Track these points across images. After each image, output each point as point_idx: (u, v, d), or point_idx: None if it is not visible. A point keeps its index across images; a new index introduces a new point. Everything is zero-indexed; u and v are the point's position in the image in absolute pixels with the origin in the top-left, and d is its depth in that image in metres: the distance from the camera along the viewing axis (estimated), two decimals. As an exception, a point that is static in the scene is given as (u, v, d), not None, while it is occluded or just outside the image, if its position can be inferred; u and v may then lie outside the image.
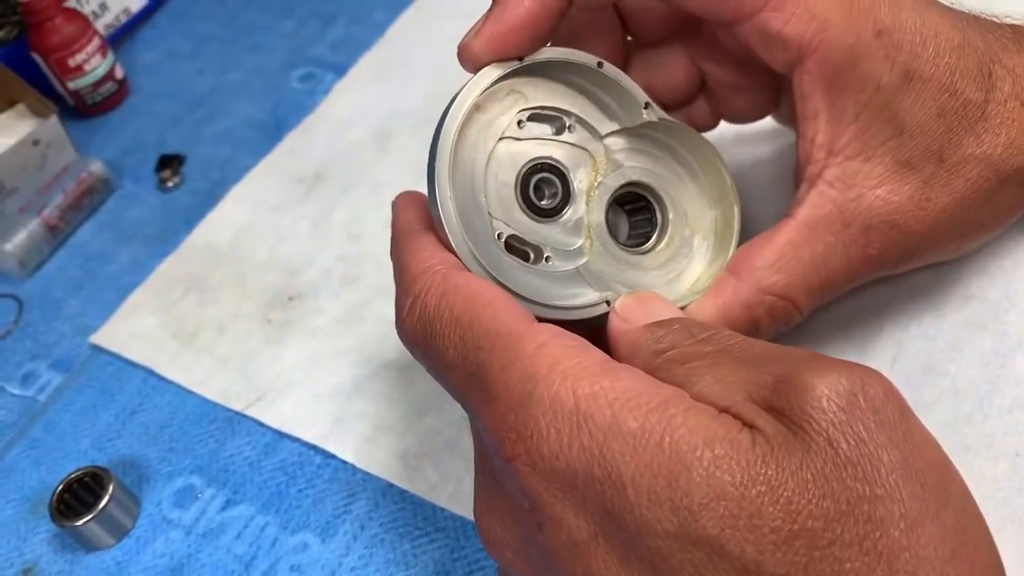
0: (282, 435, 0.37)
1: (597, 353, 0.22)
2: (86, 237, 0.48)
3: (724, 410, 0.21)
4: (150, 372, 0.40)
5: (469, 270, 0.25)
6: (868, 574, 0.18)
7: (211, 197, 0.48)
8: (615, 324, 0.26)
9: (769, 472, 0.19)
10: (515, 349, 0.22)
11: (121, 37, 0.59)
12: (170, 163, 0.50)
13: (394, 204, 0.29)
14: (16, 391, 0.42)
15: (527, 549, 0.23)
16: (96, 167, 0.49)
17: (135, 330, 0.42)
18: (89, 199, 0.49)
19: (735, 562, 0.19)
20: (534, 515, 0.22)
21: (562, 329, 0.23)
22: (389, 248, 0.28)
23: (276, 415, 0.37)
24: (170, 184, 0.49)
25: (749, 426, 0.20)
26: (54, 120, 0.50)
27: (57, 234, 0.48)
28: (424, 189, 0.28)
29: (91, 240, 0.48)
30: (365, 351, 0.39)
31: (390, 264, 0.37)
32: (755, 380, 0.21)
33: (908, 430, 0.21)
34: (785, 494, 0.19)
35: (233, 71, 0.55)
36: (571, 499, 0.21)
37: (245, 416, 0.38)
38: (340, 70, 0.53)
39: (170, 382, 0.40)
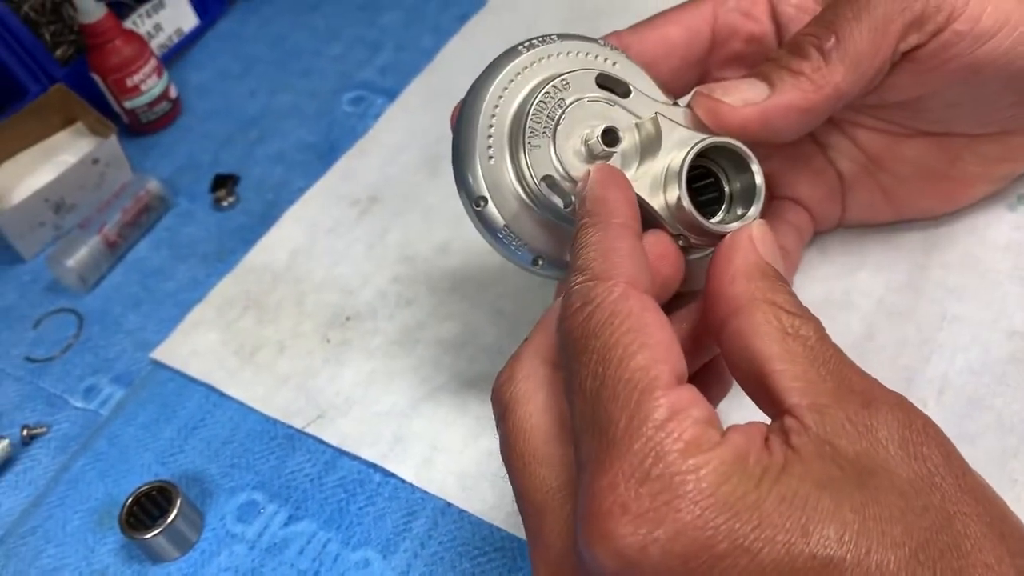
0: (342, 453, 0.38)
1: (707, 422, 0.22)
2: (144, 254, 0.50)
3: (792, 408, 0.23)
4: (211, 389, 0.41)
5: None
6: None
7: (266, 217, 0.49)
8: (756, 239, 0.26)
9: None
10: (645, 411, 0.22)
11: (173, 57, 0.61)
12: (225, 183, 0.51)
13: (596, 171, 0.28)
14: (79, 404, 0.43)
15: None
16: (153, 185, 0.51)
17: (196, 347, 0.43)
18: (146, 216, 0.50)
19: None
20: None
21: (697, 393, 0.23)
22: (581, 201, 0.27)
23: (336, 433, 0.38)
24: (225, 203, 0.50)
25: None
26: (113, 139, 0.51)
27: (116, 250, 0.49)
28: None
29: (149, 257, 0.49)
30: (420, 373, 0.40)
31: (441, 287, 0.38)
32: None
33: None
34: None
35: (284, 93, 0.57)
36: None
37: (305, 434, 0.39)
38: (390, 94, 0.54)
39: (231, 399, 0.41)
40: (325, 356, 0.41)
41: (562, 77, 0.29)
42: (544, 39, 0.31)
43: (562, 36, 0.31)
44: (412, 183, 0.48)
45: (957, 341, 0.35)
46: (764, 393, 0.24)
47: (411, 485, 0.36)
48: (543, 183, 0.29)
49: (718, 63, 0.34)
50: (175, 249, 0.49)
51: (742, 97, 0.30)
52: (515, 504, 0.34)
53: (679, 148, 0.29)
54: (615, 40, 0.33)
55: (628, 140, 0.29)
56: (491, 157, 0.30)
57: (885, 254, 0.38)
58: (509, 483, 0.34)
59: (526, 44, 0.31)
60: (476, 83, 0.31)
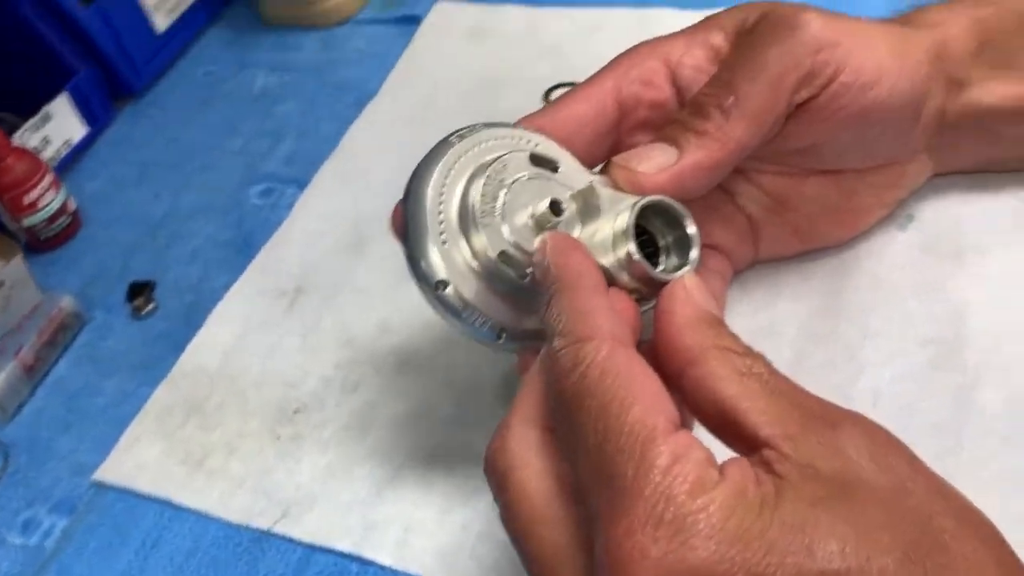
0: (314, 548, 0.37)
1: (707, 462, 0.24)
2: (64, 373, 0.48)
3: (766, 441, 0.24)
4: (164, 502, 0.40)
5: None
6: None
7: (190, 320, 0.48)
8: (692, 294, 0.28)
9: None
10: (649, 458, 0.23)
11: (65, 169, 0.59)
12: (141, 290, 0.50)
13: (548, 242, 0.30)
14: (18, 540, 0.41)
15: None
16: (66, 302, 0.49)
17: (140, 461, 0.42)
18: (62, 335, 0.49)
19: None
20: None
21: (693, 437, 0.25)
22: (544, 270, 0.29)
23: (304, 529, 0.38)
24: (144, 311, 0.49)
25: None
26: (17, 260, 0.49)
27: (34, 374, 0.47)
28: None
29: (70, 376, 0.48)
30: (380, 455, 0.40)
31: (387, 366, 0.39)
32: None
33: None
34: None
35: (187, 192, 0.56)
36: None
37: (272, 534, 0.38)
38: (300, 183, 0.54)
39: (187, 509, 0.40)
40: (278, 453, 0.41)
41: (499, 160, 0.31)
42: (472, 128, 0.33)
43: (487, 124, 0.33)
44: (338, 268, 0.49)
45: (880, 355, 0.38)
46: (734, 432, 0.26)
47: (391, 570, 0.36)
48: (499, 259, 0.30)
49: (627, 130, 0.37)
50: (98, 364, 0.48)
51: (655, 164, 0.33)
52: (499, 571, 0.35)
53: (617, 210, 0.31)
54: (529, 124, 0.35)
55: (569, 209, 0.31)
56: (445, 243, 0.31)
57: (800, 283, 0.41)
58: (487, 554, 0.35)
59: (457, 135, 0.33)
60: (416, 177, 0.32)
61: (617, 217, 0.31)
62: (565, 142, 0.34)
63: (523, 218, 0.31)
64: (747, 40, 0.35)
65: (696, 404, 0.27)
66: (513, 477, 0.28)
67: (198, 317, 0.48)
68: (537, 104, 0.43)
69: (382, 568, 0.36)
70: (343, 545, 0.37)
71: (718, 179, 0.34)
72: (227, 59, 0.66)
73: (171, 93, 0.65)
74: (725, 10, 0.37)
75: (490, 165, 0.31)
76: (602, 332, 0.26)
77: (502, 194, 0.31)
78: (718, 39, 0.36)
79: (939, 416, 0.36)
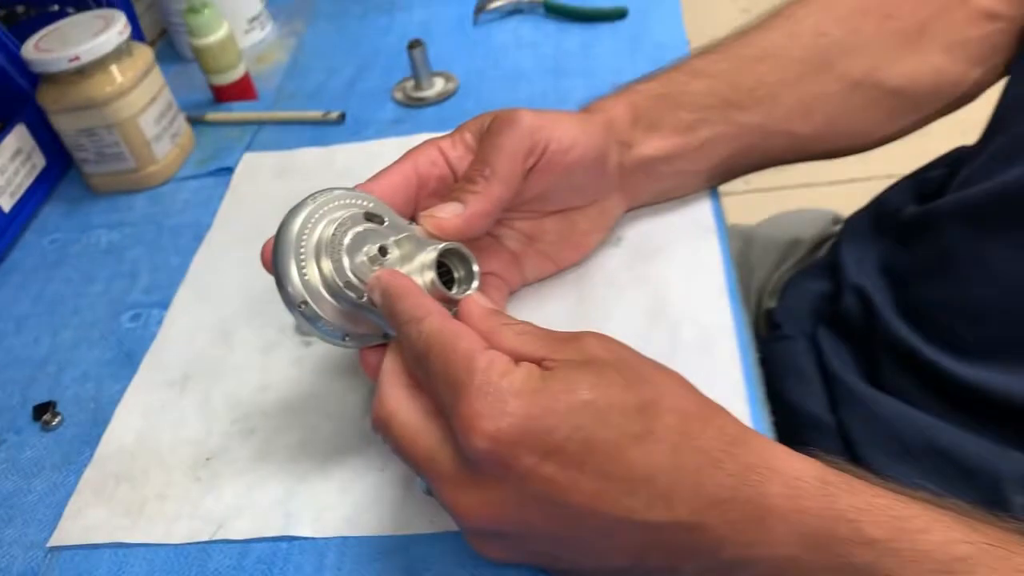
0: (249, 541, 0.50)
1: (509, 362, 0.40)
2: (-7, 486, 0.57)
3: (541, 359, 0.41)
4: (116, 546, 0.51)
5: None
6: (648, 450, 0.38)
7: (98, 419, 0.59)
8: (478, 302, 0.45)
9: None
10: (472, 367, 0.39)
11: (-59, 335, 0.68)
12: (45, 408, 0.60)
13: (382, 277, 0.45)
14: (-9, 610, 0.50)
15: (523, 504, 0.38)
16: (-19, 430, 0.58)
17: (87, 524, 0.52)
18: (-16, 456, 0.58)
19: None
20: (510, 473, 0.37)
21: (498, 352, 0.40)
22: (380, 293, 0.45)
23: (239, 531, 0.50)
24: (52, 424, 0.60)
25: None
26: (-68, 403, 0.58)
27: (-33, 490, 0.56)
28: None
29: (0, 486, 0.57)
30: (285, 470, 0.53)
31: (275, 412, 0.53)
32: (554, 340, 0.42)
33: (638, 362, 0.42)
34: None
35: (65, 331, 0.67)
36: (523, 448, 0.37)
37: (215, 542, 0.50)
38: (163, 305, 0.67)
39: (138, 545, 0.50)
40: (202, 489, 0.53)
41: (345, 216, 0.47)
42: (322, 191, 0.48)
43: (332, 188, 0.48)
44: (214, 356, 0.62)
45: (618, 325, 0.56)
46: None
47: (311, 539, 0.49)
48: (344, 286, 0.46)
49: (424, 196, 0.54)
50: (22, 471, 0.57)
51: (451, 212, 0.50)
52: (392, 519, 0.49)
53: (426, 251, 0.47)
54: (363, 188, 0.51)
55: (394, 252, 0.48)
56: (304, 274, 0.46)
57: (558, 291, 0.60)
58: (378, 512, 0.48)
59: (311, 197, 0.47)
60: (283, 224, 0.46)
61: (426, 256, 0.47)
62: (386, 200, 0.51)
63: (361, 257, 0.47)
64: (489, 133, 0.53)
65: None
66: (393, 420, 0.43)
67: (104, 415, 0.59)
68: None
69: (305, 539, 0.49)
70: (272, 532, 0.49)
71: (489, 224, 0.52)
72: (69, 226, 0.78)
73: (24, 261, 0.75)
74: (469, 120, 0.56)
75: (336, 220, 0.46)
76: (431, 311, 0.43)
77: (346, 240, 0.46)
78: (468, 138, 0.55)
79: (659, 349, 0.54)
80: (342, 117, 0.84)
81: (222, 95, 0.89)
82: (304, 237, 0.46)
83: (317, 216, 0.47)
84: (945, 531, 0.36)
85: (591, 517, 0.38)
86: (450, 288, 0.47)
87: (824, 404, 0.64)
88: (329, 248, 0.46)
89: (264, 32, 1.01)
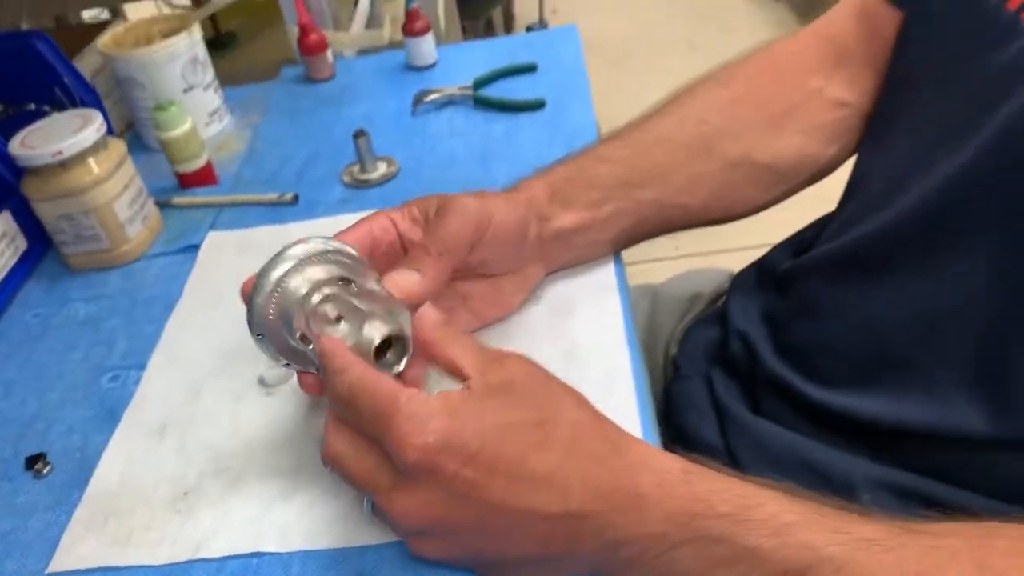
0: (225, 558, 0.58)
1: (426, 396, 0.50)
2: (-8, 527, 0.64)
3: (467, 379, 0.51)
4: (108, 569, 0.59)
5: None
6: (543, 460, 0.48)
7: (84, 466, 0.67)
8: (431, 316, 0.55)
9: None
10: (396, 402, 0.48)
11: (-64, 400, 0.76)
12: (37, 459, 0.68)
13: (323, 343, 0.54)
14: (-3, 629, 0.57)
15: (449, 503, 0.46)
16: (-20, 479, 0.66)
17: (81, 552, 0.60)
18: (-17, 501, 0.65)
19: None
20: (437, 478, 0.45)
21: (414, 389, 0.50)
22: (319, 353, 0.53)
23: (216, 549, 0.58)
24: (45, 472, 0.68)
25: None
26: (-64, 456, 0.66)
27: (-31, 531, 0.63)
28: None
29: (-3, 527, 0.64)
30: (254, 499, 0.62)
31: (243, 456, 0.63)
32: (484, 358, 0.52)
33: (547, 382, 0.53)
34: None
35: (51, 393, 0.75)
36: (446, 456, 0.47)
37: (196, 561, 0.58)
38: (140, 367, 0.76)
39: (128, 567, 0.59)
40: (183, 518, 0.61)
41: (321, 275, 0.57)
42: (310, 241, 0.57)
43: (317, 239, 0.58)
44: (188, 410, 0.70)
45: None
46: (456, 372, 0.52)
47: (279, 553, 0.58)
48: (300, 338, 0.56)
49: (378, 256, 0.63)
50: (17, 512, 0.65)
51: (413, 280, 0.59)
52: (345, 534, 0.58)
53: (372, 327, 0.56)
54: (337, 237, 0.60)
55: (345, 325, 0.57)
56: (271, 315, 0.55)
57: (494, 338, 0.70)
58: (335, 528, 0.58)
59: (299, 245, 0.57)
60: (264, 273, 0.55)
61: (372, 332, 0.56)
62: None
63: (319, 319, 0.56)
64: (441, 215, 0.61)
65: (442, 362, 0.53)
66: (338, 455, 0.52)
67: (91, 463, 0.67)
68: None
69: (273, 554, 0.58)
70: (244, 550, 0.58)
71: (444, 286, 0.62)
72: (50, 302, 0.87)
73: (10, 334, 0.83)
74: (416, 199, 0.67)
75: (312, 281, 0.56)
76: (353, 362, 0.52)
77: (312, 300, 0.56)
78: (415, 212, 0.65)
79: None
80: (295, 199, 0.95)
81: (186, 181, 0.99)
82: (280, 287, 0.55)
83: (297, 268, 0.56)
84: (777, 505, 0.47)
85: (503, 512, 0.48)
86: (385, 354, 0.57)
87: (716, 432, 0.75)
88: (297, 302, 0.56)
89: (223, 124, 1.12)
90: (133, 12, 1.52)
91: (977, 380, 0.58)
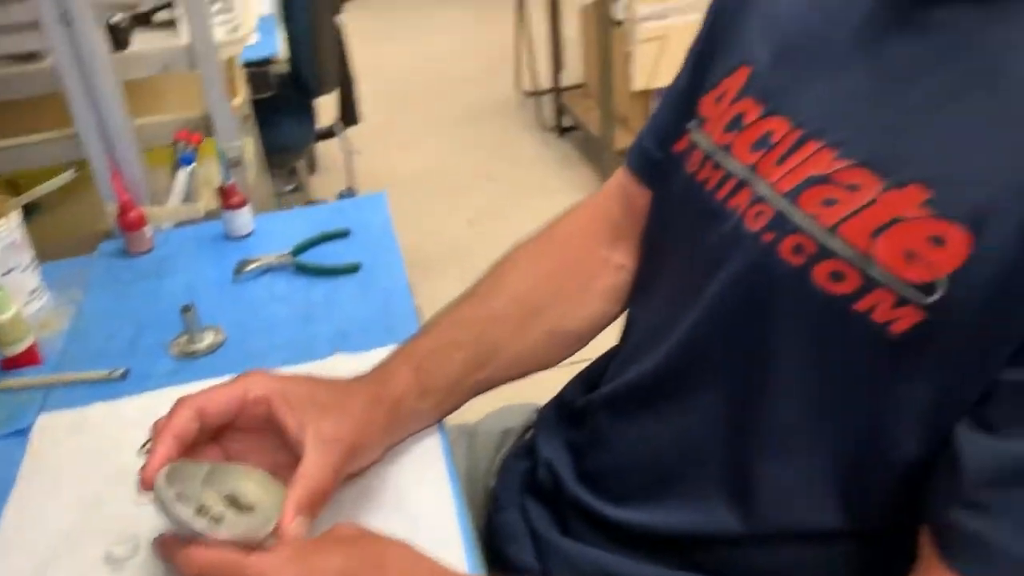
0: None
1: (271, 556, 0.59)
2: None
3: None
4: None
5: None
6: None
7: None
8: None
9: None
10: (246, 561, 0.58)
11: None
12: None
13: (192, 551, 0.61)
14: None
15: None
16: None
17: None
18: None
19: None
20: None
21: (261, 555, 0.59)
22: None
23: None
24: None
25: None
26: None
27: None
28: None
29: None
30: None
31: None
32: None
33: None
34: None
35: None
36: None
37: None
38: (-20, 558, 0.78)
39: None
40: None
41: (206, 501, 0.64)
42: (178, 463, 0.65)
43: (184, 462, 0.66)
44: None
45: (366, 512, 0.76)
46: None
47: None
48: (185, 529, 0.62)
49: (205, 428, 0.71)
50: None
51: (304, 526, 0.66)
52: None
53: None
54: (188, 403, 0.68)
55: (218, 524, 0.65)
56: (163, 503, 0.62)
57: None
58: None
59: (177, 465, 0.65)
60: (160, 484, 0.63)
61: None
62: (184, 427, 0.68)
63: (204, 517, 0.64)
64: (320, 455, 0.67)
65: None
66: None
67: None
68: (137, 465, 0.75)
69: None
70: None
71: (324, 504, 0.69)
72: None
73: None
74: (230, 381, 0.74)
75: (196, 502, 0.64)
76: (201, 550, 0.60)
77: (196, 499, 0.64)
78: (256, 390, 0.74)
79: (404, 531, 0.74)
80: (125, 374, 0.99)
81: (10, 364, 1.02)
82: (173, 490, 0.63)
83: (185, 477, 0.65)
84: None
85: None
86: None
87: (533, 556, 0.86)
88: (184, 506, 0.63)
89: (42, 301, 1.15)
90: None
91: (730, 488, 0.72)
